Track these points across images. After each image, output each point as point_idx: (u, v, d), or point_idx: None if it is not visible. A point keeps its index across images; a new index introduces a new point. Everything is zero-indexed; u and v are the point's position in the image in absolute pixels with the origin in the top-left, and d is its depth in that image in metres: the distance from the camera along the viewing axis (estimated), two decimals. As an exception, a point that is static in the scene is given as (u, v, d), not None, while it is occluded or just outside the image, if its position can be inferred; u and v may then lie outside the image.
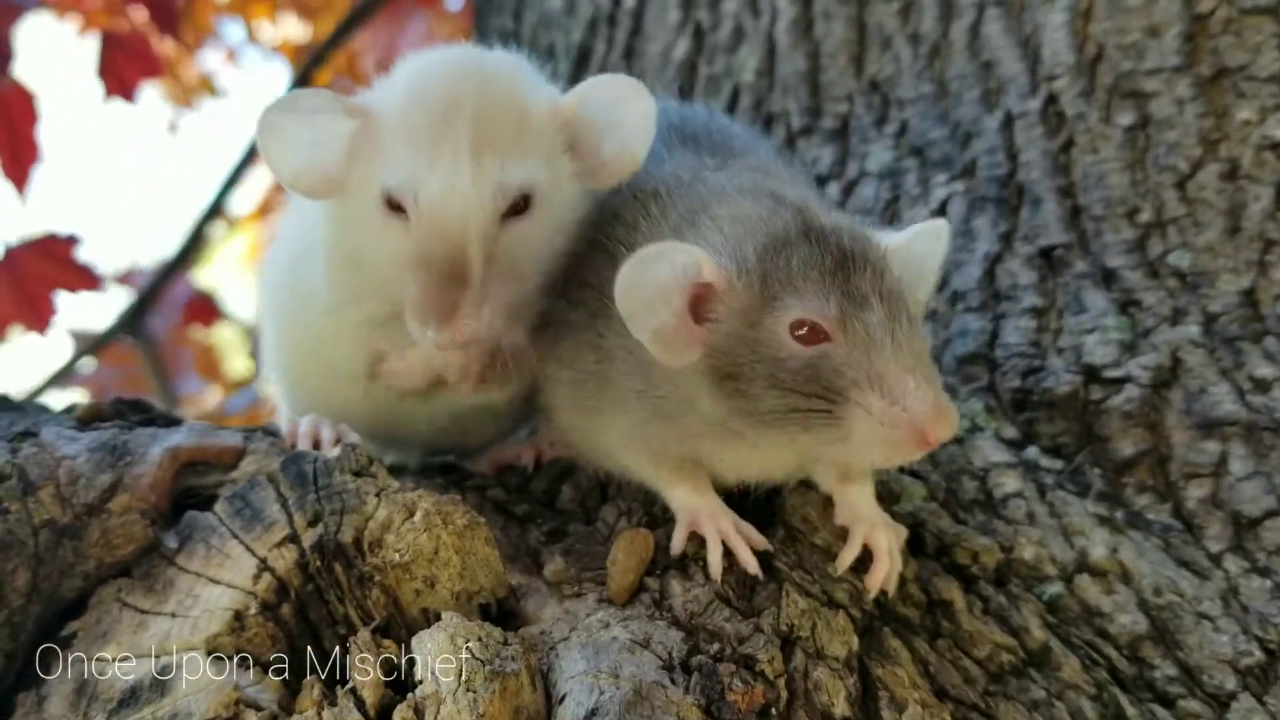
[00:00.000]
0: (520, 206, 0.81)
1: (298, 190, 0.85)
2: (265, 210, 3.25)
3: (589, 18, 1.65)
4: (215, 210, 2.83)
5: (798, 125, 1.36)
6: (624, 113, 0.83)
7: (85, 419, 0.89)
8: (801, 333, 0.72)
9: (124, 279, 2.68)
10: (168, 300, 2.74)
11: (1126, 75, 1.18)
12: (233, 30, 3.92)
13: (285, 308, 1.00)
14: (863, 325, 0.71)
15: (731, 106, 1.41)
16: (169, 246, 2.69)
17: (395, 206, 0.81)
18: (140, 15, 1.82)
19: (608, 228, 0.85)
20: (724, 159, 0.91)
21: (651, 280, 0.73)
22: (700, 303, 0.75)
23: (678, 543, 0.81)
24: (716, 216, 0.78)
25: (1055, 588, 0.89)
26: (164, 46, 2.33)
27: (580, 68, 1.62)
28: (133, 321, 2.60)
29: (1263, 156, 1.10)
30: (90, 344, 2.61)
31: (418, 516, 0.77)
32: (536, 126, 0.83)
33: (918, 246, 0.81)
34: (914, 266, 0.81)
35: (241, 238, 3.54)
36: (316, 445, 0.89)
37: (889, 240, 0.80)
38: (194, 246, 2.80)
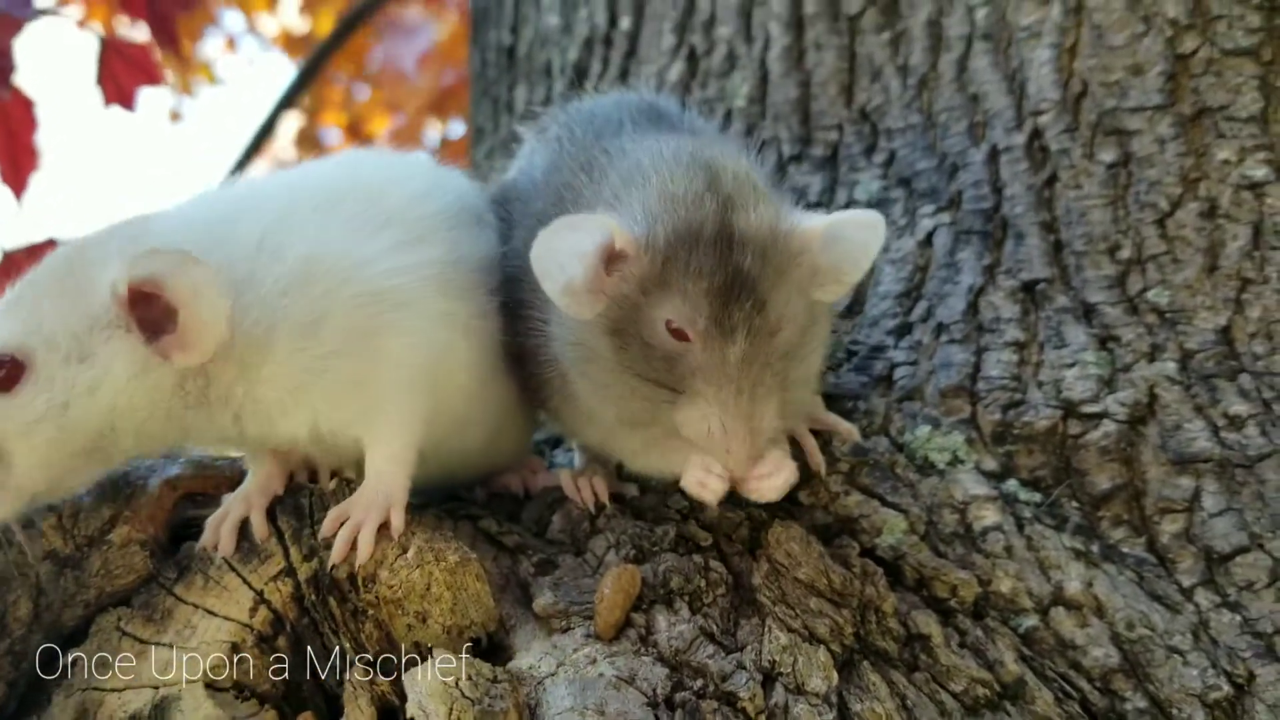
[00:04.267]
0: (10, 372, 0.75)
1: None
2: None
3: (585, 37, 1.67)
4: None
5: (788, 152, 1.38)
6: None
7: (86, 448, 0.91)
8: (674, 328, 0.79)
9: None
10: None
11: (1110, 112, 1.20)
12: (232, 19, 3.93)
13: None
14: (720, 355, 0.78)
15: (724, 131, 1.43)
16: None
17: None
18: (140, 31, 1.83)
19: (565, 192, 0.90)
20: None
21: (564, 246, 0.79)
22: (611, 260, 0.81)
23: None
24: (649, 184, 0.84)
25: (1031, 620, 0.92)
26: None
27: (577, 87, 1.64)
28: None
29: (1241, 196, 1.12)
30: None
31: (410, 553, 0.80)
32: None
33: (847, 233, 0.85)
34: (843, 252, 0.86)
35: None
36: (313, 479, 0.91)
37: (812, 224, 0.85)
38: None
